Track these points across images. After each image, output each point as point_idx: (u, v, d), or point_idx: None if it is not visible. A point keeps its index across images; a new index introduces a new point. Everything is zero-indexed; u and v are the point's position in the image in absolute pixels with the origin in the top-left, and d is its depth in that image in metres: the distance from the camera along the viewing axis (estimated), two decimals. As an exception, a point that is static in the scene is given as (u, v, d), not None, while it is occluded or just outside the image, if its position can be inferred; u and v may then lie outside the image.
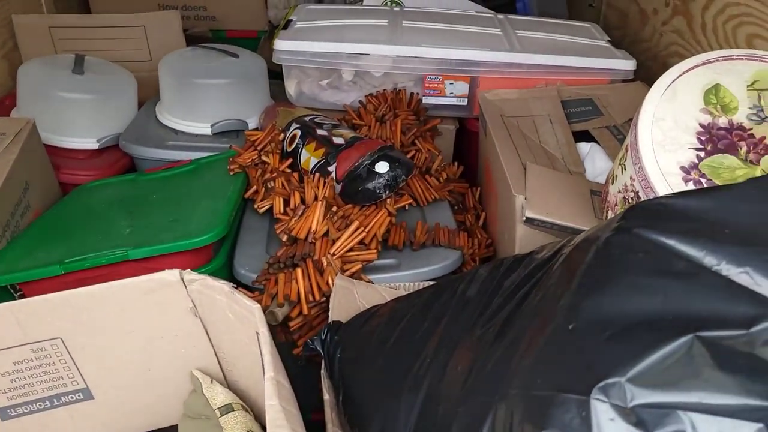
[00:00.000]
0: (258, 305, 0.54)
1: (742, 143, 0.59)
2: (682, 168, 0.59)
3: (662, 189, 0.58)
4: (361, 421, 0.53)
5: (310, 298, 0.72)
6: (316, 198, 0.82)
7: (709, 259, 0.35)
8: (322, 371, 0.60)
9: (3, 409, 0.61)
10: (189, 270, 0.58)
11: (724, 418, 0.30)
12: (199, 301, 0.59)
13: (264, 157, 0.93)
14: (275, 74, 1.14)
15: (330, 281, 0.72)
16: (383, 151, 0.85)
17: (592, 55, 1.06)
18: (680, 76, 0.64)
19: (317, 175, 0.86)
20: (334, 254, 0.75)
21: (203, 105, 1.07)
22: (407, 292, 0.69)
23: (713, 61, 0.64)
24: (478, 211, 0.96)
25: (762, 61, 0.64)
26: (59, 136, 1.04)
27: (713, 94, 0.62)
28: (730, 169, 0.58)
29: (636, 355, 0.32)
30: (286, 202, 0.85)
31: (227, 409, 0.60)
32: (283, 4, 1.49)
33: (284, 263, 0.75)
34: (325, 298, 0.72)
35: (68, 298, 0.57)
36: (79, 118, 1.05)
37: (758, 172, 0.58)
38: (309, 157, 0.89)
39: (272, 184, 0.89)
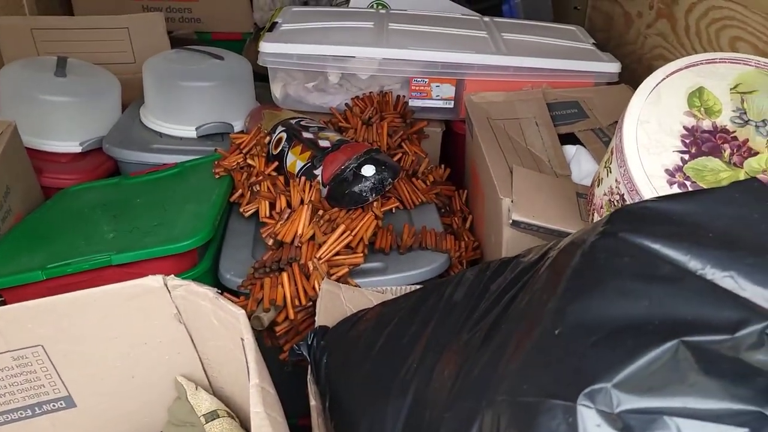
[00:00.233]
0: (243, 311, 0.54)
1: (726, 146, 0.60)
2: (667, 171, 0.59)
3: (647, 192, 0.58)
4: (347, 426, 0.53)
5: (297, 302, 0.71)
6: (302, 201, 0.82)
7: (693, 263, 0.36)
8: (309, 376, 0.60)
9: (-17, 418, 0.61)
10: (173, 276, 0.57)
11: (710, 422, 0.30)
12: (184, 307, 0.58)
13: (249, 161, 0.92)
14: (261, 77, 1.14)
15: (316, 285, 0.71)
16: (369, 154, 0.84)
17: (577, 58, 1.06)
18: (664, 79, 0.64)
19: (303, 178, 0.86)
20: (320, 258, 0.74)
21: (188, 108, 1.07)
22: (394, 296, 0.69)
23: (697, 65, 0.65)
24: (465, 214, 0.96)
25: (745, 64, 0.64)
26: (41, 139, 1.03)
27: (697, 97, 0.62)
28: (714, 171, 0.58)
29: (622, 361, 0.32)
30: (272, 206, 0.84)
31: (212, 415, 0.60)
32: (268, 6, 1.48)
33: (270, 267, 0.75)
34: (311, 303, 0.72)
35: (50, 305, 0.56)
36: (61, 121, 1.04)
37: (742, 175, 0.58)
38: (295, 161, 0.88)
39: (258, 188, 0.88)
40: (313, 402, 0.57)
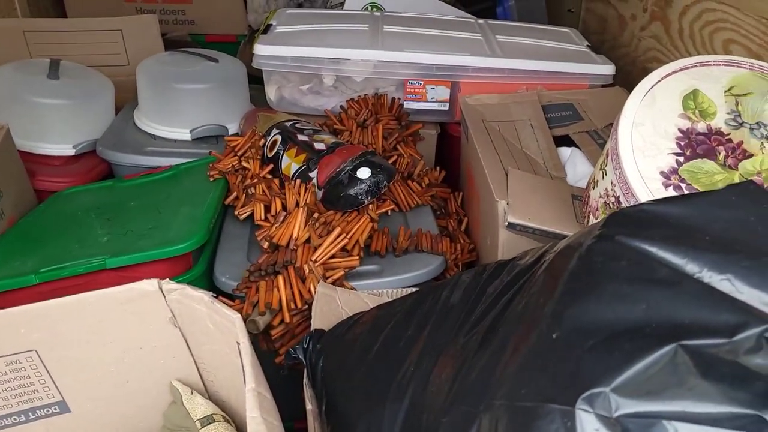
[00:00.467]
0: (239, 315, 0.54)
1: (721, 148, 0.60)
2: (662, 173, 0.59)
3: (642, 194, 0.59)
4: (344, 430, 0.53)
5: (292, 306, 0.71)
6: (297, 204, 0.82)
7: (691, 267, 0.36)
8: (305, 380, 0.60)
9: (-24, 424, 0.60)
10: (168, 279, 0.57)
11: (709, 426, 0.30)
12: (179, 311, 0.58)
13: (244, 163, 0.92)
14: (255, 79, 1.13)
15: (312, 289, 0.71)
16: (365, 156, 0.84)
17: (571, 60, 1.07)
18: (659, 81, 0.64)
19: (298, 181, 0.85)
20: (315, 261, 0.74)
21: (182, 110, 1.06)
22: (390, 299, 0.69)
23: (691, 67, 0.65)
24: (461, 216, 0.96)
25: (738, 66, 0.64)
26: (34, 142, 1.02)
27: (692, 100, 0.62)
28: (709, 174, 0.59)
29: (620, 365, 0.32)
30: (267, 209, 0.84)
31: (208, 420, 0.59)
32: (263, 9, 1.48)
33: (265, 271, 0.74)
34: (307, 306, 0.71)
35: (44, 310, 0.56)
36: (54, 124, 1.03)
37: (736, 177, 0.59)
38: (290, 163, 0.88)
39: (253, 191, 0.88)
40: (309, 406, 0.57)
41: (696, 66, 0.65)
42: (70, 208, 0.92)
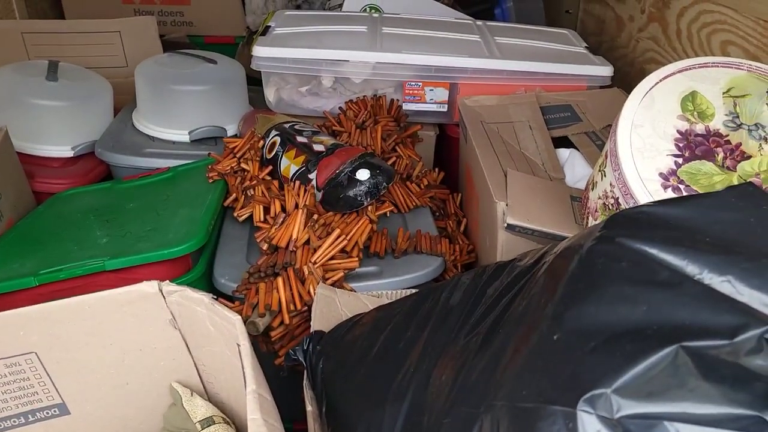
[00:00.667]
0: (239, 317, 0.54)
1: (719, 150, 0.60)
2: (661, 174, 0.59)
3: (641, 195, 0.59)
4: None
5: (292, 307, 0.71)
6: (296, 206, 0.82)
7: (691, 268, 0.36)
8: (305, 382, 0.60)
9: (-25, 426, 0.60)
10: (168, 281, 0.57)
11: (710, 427, 0.30)
12: (179, 313, 0.58)
13: (243, 165, 0.92)
14: (254, 80, 1.14)
15: (311, 290, 0.71)
16: (364, 158, 0.84)
17: (570, 62, 1.07)
18: (658, 83, 0.64)
19: (298, 182, 0.85)
20: (315, 263, 0.74)
21: (181, 112, 1.06)
22: (390, 300, 0.69)
23: (689, 69, 0.65)
24: (460, 217, 0.97)
25: (737, 68, 0.65)
26: (33, 143, 1.02)
27: (690, 101, 0.63)
28: (707, 175, 0.59)
29: (621, 366, 0.32)
30: (267, 210, 0.84)
31: (208, 422, 0.59)
32: (261, 10, 1.48)
33: (265, 272, 0.74)
34: (306, 308, 0.71)
35: (43, 312, 0.56)
36: (53, 126, 1.03)
37: (735, 178, 0.59)
38: (289, 165, 0.88)
39: (252, 192, 0.88)
40: (309, 407, 0.57)
41: (694, 67, 0.65)
42: (69, 210, 0.91)
